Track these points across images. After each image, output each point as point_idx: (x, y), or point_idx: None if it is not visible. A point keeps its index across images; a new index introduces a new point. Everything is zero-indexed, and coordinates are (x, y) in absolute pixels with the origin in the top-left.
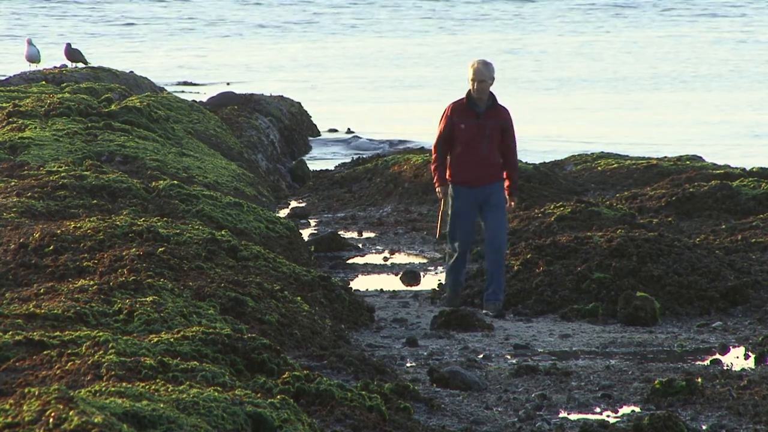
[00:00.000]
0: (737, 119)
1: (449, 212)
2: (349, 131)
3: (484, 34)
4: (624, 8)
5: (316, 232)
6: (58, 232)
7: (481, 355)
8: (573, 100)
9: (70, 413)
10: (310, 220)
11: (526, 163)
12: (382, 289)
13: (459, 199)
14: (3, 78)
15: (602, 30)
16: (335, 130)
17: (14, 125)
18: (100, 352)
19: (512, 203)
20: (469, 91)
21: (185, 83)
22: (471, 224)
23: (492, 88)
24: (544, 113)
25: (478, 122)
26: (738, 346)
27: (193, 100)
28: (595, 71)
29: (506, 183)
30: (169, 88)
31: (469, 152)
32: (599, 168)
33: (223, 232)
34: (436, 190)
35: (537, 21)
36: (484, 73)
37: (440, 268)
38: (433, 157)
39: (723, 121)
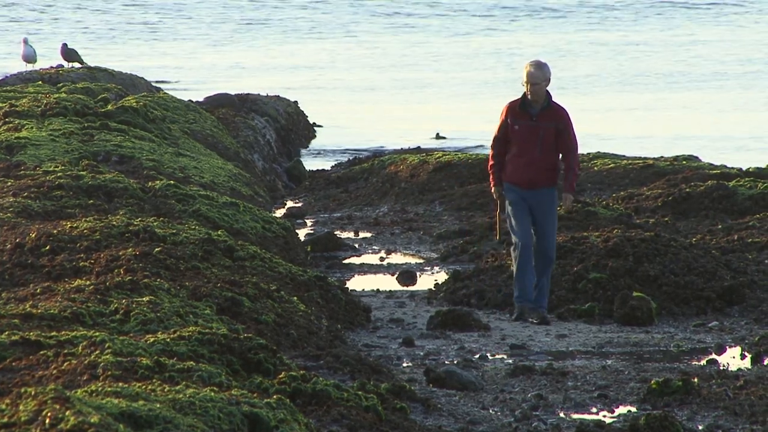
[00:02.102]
0: (736, 119)
1: (507, 212)
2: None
3: (488, 35)
4: (621, 7)
5: (312, 232)
6: (55, 232)
7: (477, 355)
8: (570, 99)
9: (67, 413)
10: (306, 220)
11: None
12: (378, 289)
13: (511, 192)
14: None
15: (604, 30)
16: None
17: (11, 125)
18: (97, 352)
19: (565, 202)
20: (525, 92)
21: (180, 83)
22: (528, 217)
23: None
24: None
25: (531, 124)
26: (734, 346)
27: (190, 100)
28: (593, 72)
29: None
30: (165, 88)
31: (523, 155)
32: (595, 168)
33: (219, 232)
34: (492, 190)
35: (537, 21)
36: (537, 76)
37: (436, 269)
38: (490, 155)
39: (721, 120)
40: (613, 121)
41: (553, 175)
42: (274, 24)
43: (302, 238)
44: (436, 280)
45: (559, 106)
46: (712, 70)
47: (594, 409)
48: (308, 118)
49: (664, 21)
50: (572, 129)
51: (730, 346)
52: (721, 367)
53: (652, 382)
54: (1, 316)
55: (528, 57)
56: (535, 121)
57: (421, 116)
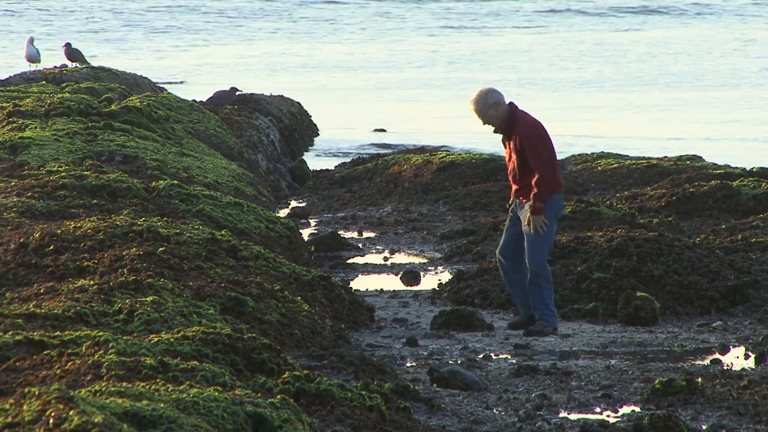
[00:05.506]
0: (737, 119)
1: None
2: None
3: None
4: (621, 10)
5: (316, 231)
6: (59, 231)
7: (481, 355)
8: (573, 99)
9: (71, 413)
10: (310, 220)
11: None
12: (382, 289)
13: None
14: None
15: (605, 31)
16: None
17: (14, 125)
18: (101, 351)
19: (523, 219)
20: None
21: (184, 83)
22: (510, 237)
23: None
24: (548, 113)
25: (504, 145)
26: (738, 346)
27: (193, 100)
28: (595, 72)
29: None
30: (169, 88)
31: (508, 174)
32: (599, 168)
33: (223, 232)
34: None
35: (537, 20)
36: (479, 110)
37: (440, 268)
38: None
39: (723, 120)
40: (616, 121)
41: (527, 191)
42: (281, 24)
43: (306, 238)
44: (439, 280)
45: (519, 122)
46: (714, 71)
47: (598, 409)
48: (312, 118)
49: (668, 22)
50: (534, 141)
51: (734, 346)
52: (725, 367)
53: (656, 381)
54: (5, 316)
55: (530, 57)
56: (504, 142)
57: (423, 116)
